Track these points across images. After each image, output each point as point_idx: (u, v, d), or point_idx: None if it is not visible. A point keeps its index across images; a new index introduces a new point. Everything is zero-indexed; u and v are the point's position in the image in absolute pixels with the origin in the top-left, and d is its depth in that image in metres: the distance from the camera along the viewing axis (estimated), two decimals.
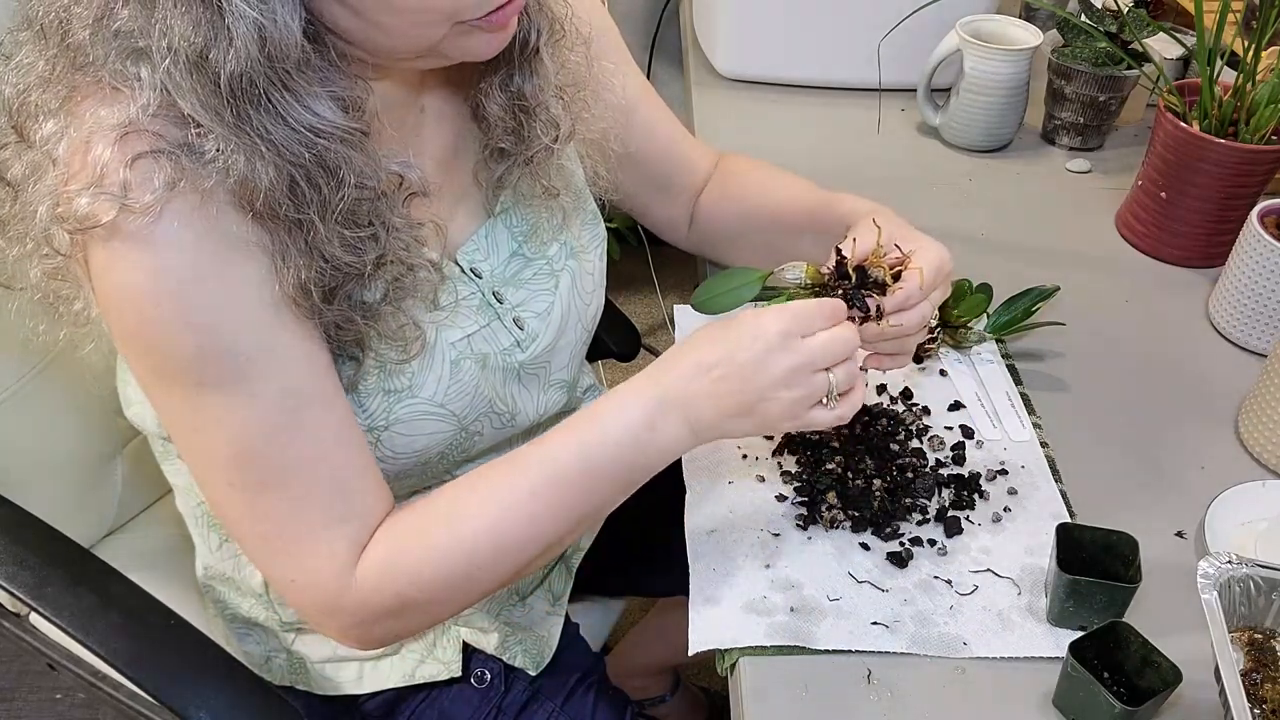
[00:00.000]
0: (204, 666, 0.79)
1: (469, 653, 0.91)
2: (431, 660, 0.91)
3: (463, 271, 0.81)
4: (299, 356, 0.69)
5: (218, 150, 0.61)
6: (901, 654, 0.77)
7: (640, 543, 1.06)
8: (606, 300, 1.18)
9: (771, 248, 0.96)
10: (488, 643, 0.91)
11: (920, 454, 0.92)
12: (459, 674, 0.90)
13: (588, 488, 0.73)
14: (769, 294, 0.83)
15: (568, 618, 1.01)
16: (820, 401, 0.72)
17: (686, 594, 0.81)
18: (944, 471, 0.90)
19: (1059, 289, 1.03)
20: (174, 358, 0.66)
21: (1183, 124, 1.08)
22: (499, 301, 0.82)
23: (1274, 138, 1.08)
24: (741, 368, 0.71)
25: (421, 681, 0.90)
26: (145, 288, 0.63)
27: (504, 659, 0.92)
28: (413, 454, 0.78)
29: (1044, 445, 0.93)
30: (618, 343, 1.20)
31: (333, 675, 0.91)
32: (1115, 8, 1.26)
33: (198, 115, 0.60)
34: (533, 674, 0.94)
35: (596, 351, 1.19)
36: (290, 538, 0.71)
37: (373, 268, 0.69)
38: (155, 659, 0.78)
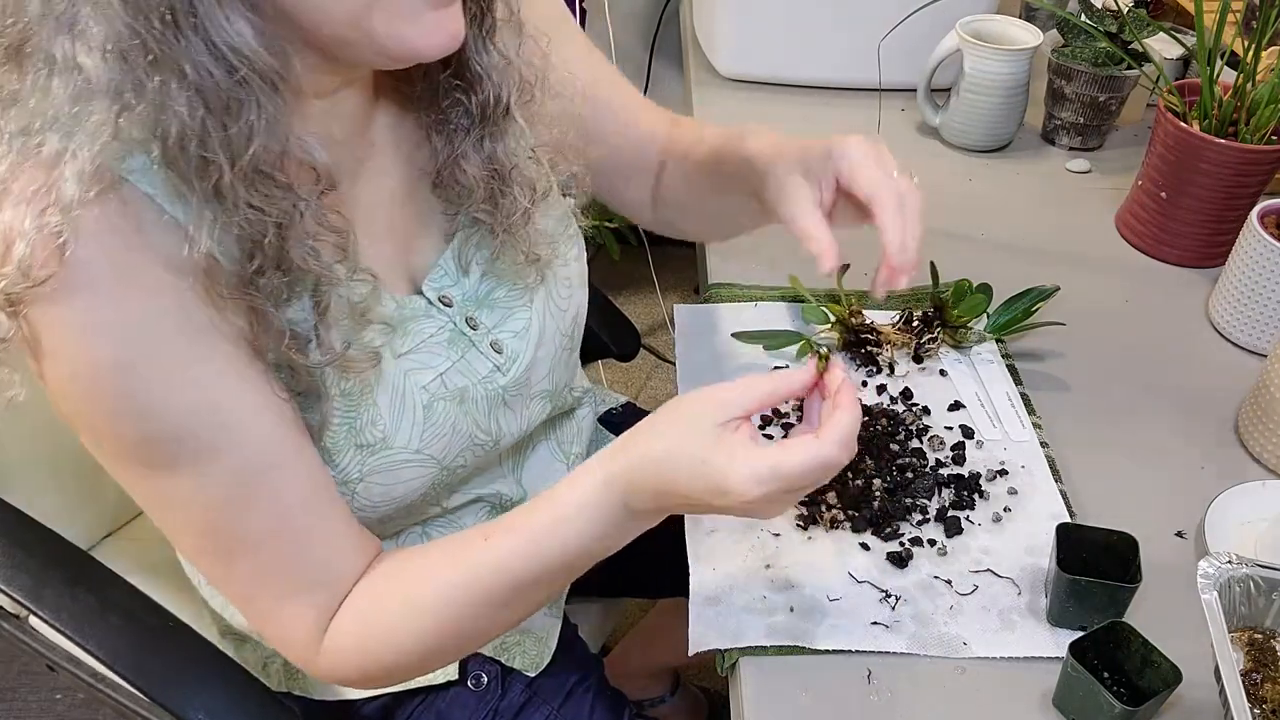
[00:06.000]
0: (202, 668, 0.79)
1: (466, 655, 0.92)
2: None
3: (430, 304, 0.77)
4: (251, 424, 0.65)
5: (135, 96, 0.56)
6: (901, 654, 0.77)
7: (639, 543, 1.06)
8: (606, 300, 1.18)
9: (716, 217, 0.96)
10: (485, 646, 0.91)
11: (920, 454, 0.92)
12: (455, 677, 0.90)
13: (542, 586, 0.71)
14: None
15: (566, 619, 1.01)
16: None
17: (686, 595, 0.81)
18: (944, 471, 0.90)
19: (1059, 289, 1.03)
20: (119, 442, 0.64)
21: (1183, 124, 1.08)
22: (473, 328, 0.79)
23: (1274, 138, 1.08)
24: (719, 508, 0.65)
25: (418, 685, 0.90)
26: (78, 374, 0.60)
27: (502, 661, 0.92)
28: (392, 500, 0.76)
29: (1044, 445, 0.93)
30: (618, 342, 1.20)
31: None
32: (1115, 8, 1.26)
33: (121, 40, 0.55)
34: (531, 676, 0.94)
35: (596, 351, 1.19)
36: (261, 602, 0.70)
37: (277, 242, 0.62)
38: (153, 661, 0.78)
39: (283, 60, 0.59)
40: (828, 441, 0.62)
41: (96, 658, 0.78)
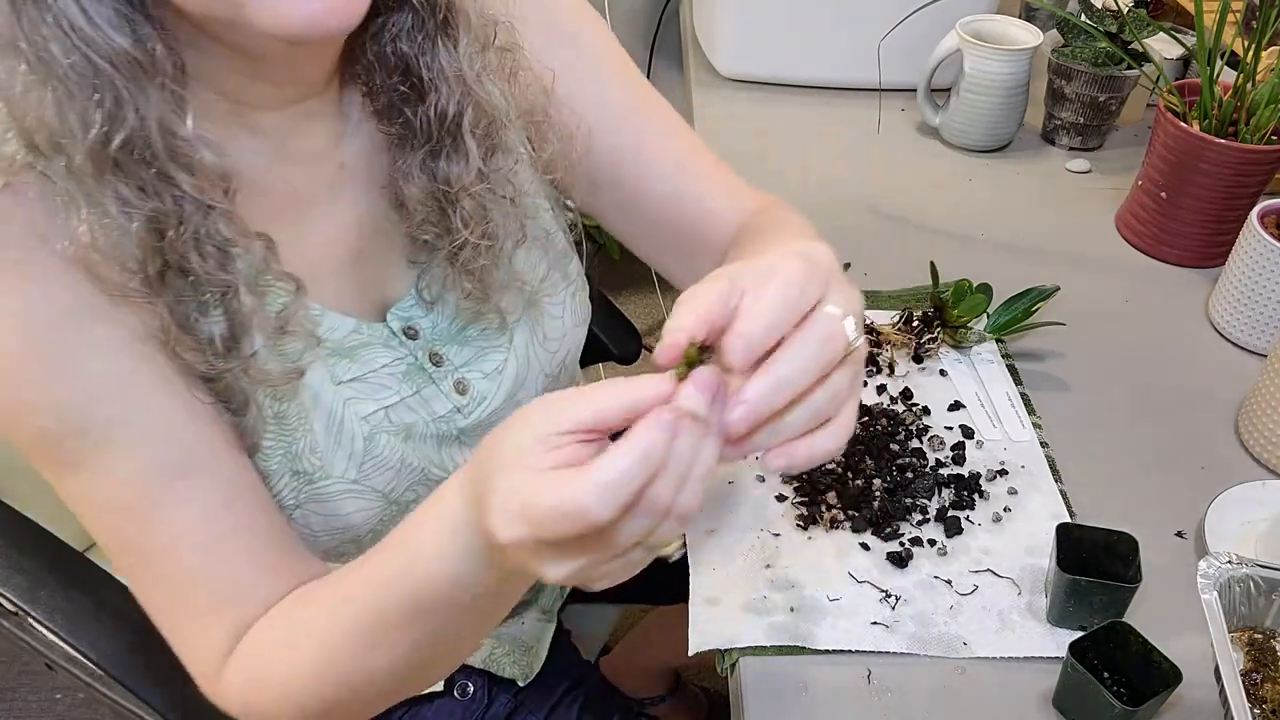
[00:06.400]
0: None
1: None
2: None
3: (393, 334, 0.74)
4: (160, 424, 0.61)
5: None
6: (901, 654, 0.77)
7: None
8: (607, 301, 1.17)
9: None
10: (474, 655, 0.91)
11: (920, 454, 0.92)
12: (440, 688, 0.90)
13: (414, 618, 0.60)
14: None
15: (560, 624, 1.00)
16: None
17: (683, 600, 0.81)
18: (944, 471, 0.90)
19: (1059, 289, 1.03)
20: (19, 437, 0.61)
21: (1183, 124, 1.08)
22: (436, 364, 0.75)
23: (1274, 138, 1.08)
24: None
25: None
26: None
27: (491, 671, 0.92)
28: (337, 531, 0.72)
29: (1044, 445, 0.93)
30: (618, 345, 1.19)
31: None
32: (1115, 8, 1.26)
33: None
34: (521, 684, 0.93)
35: (597, 354, 1.19)
36: (170, 620, 0.66)
37: (173, 242, 0.59)
38: (144, 662, 0.78)
39: (143, 46, 0.56)
40: (583, 483, 0.45)
41: (88, 659, 0.77)
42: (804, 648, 0.76)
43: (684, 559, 0.83)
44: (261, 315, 0.64)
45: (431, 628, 0.59)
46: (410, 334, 0.75)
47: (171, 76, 0.58)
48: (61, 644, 0.80)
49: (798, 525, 0.86)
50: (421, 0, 0.65)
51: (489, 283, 0.74)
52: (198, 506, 0.63)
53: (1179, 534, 0.87)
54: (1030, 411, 0.97)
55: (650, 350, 1.61)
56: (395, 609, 0.58)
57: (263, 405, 0.66)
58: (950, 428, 0.95)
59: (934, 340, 1.02)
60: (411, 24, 0.65)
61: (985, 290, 1.03)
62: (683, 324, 0.48)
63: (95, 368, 0.60)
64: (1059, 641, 0.76)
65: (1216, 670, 0.69)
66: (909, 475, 0.89)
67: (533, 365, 0.80)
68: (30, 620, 0.82)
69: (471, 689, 0.91)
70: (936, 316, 1.03)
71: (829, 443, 0.53)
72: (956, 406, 0.97)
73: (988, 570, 0.83)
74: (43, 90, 0.55)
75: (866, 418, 0.94)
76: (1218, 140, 1.06)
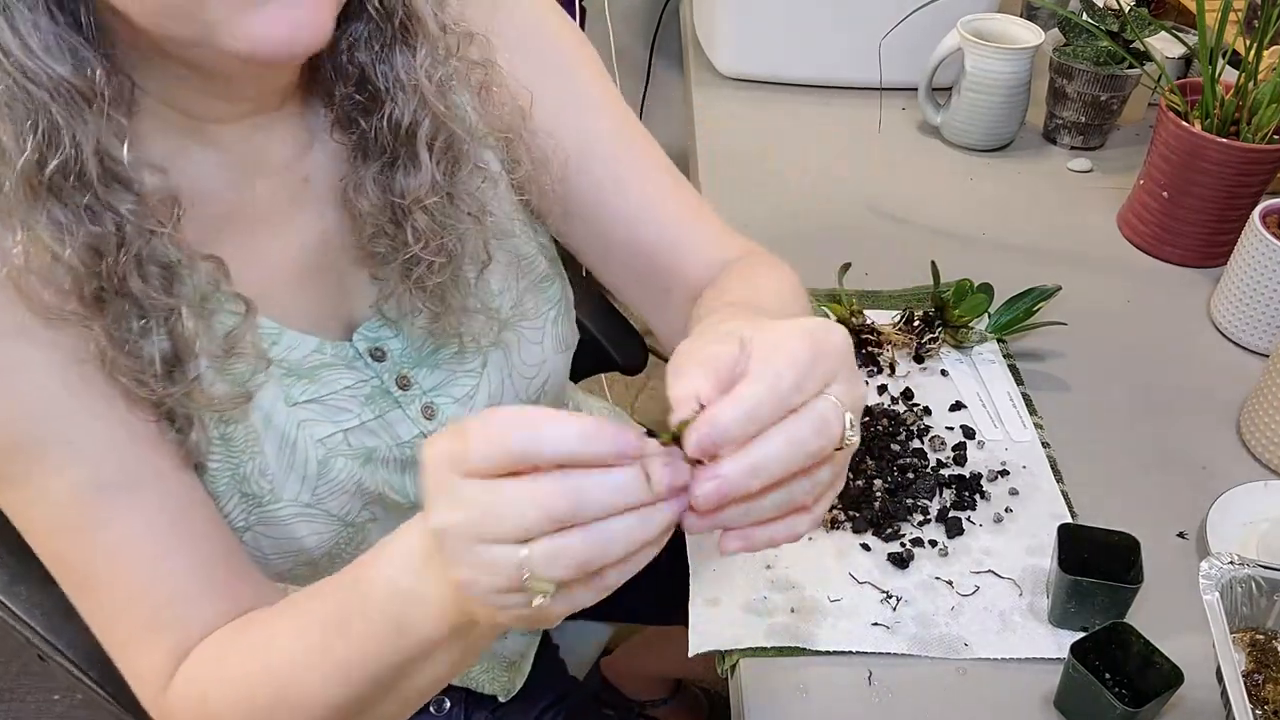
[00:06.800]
0: None
1: None
2: None
3: (359, 355, 0.72)
4: (97, 441, 0.60)
5: None
6: (902, 655, 0.76)
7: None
8: (611, 309, 1.15)
9: None
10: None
11: (921, 454, 0.92)
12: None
13: (364, 654, 0.58)
14: None
15: (547, 639, 0.99)
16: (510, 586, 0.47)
17: (676, 622, 0.79)
18: (945, 472, 0.90)
19: (1060, 289, 1.03)
20: None
21: (1184, 123, 1.08)
22: (403, 388, 0.73)
23: (1276, 137, 1.08)
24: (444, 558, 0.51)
25: None
26: None
27: (470, 688, 0.91)
28: (289, 554, 0.70)
29: (1045, 445, 0.93)
30: (625, 355, 1.17)
31: None
32: (1117, 7, 1.26)
33: None
34: (502, 700, 0.92)
35: (600, 365, 1.17)
36: (113, 639, 0.64)
37: (111, 264, 0.58)
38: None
39: (83, 72, 0.54)
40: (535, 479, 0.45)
41: (65, 655, 0.77)
42: (804, 649, 0.76)
43: (675, 578, 0.81)
44: (207, 338, 0.63)
45: (373, 671, 0.57)
46: (377, 355, 0.73)
47: (113, 101, 0.56)
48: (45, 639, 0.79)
49: None
50: (377, 8, 0.63)
51: (449, 303, 0.72)
52: (140, 523, 0.61)
53: (1181, 534, 0.86)
54: (1031, 411, 0.97)
55: (656, 354, 1.59)
56: (342, 647, 0.57)
57: (208, 426, 0.65)
58: (951, 428, 0.95)
59: (935, 340, 1.02)
60: (368, 33, 0.64)
61: (986, 290, 1.03)
62: (697, 389, 0.46)
63: (28, 388, 0.59)
64: (1060, 642, 0.76)
65: (1218, 671, 0.69)
66: (910, 475, 0.89)
67: (506, 392, 0.77)
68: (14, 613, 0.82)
69: (448, 705, 0.90)
70: (937, 316, 1.03)
71: (791, 531, 0.50)
72: (958, 407, 0.97)
73: (989, 571, 0.82)
74: None
75: (867, 418, 0.94)
76: (1219, 139, 1.06)
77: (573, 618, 1.06)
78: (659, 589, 0.81)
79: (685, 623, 0.79)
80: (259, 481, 0.67)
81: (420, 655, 0.55)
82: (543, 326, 0.79)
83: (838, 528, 0.85)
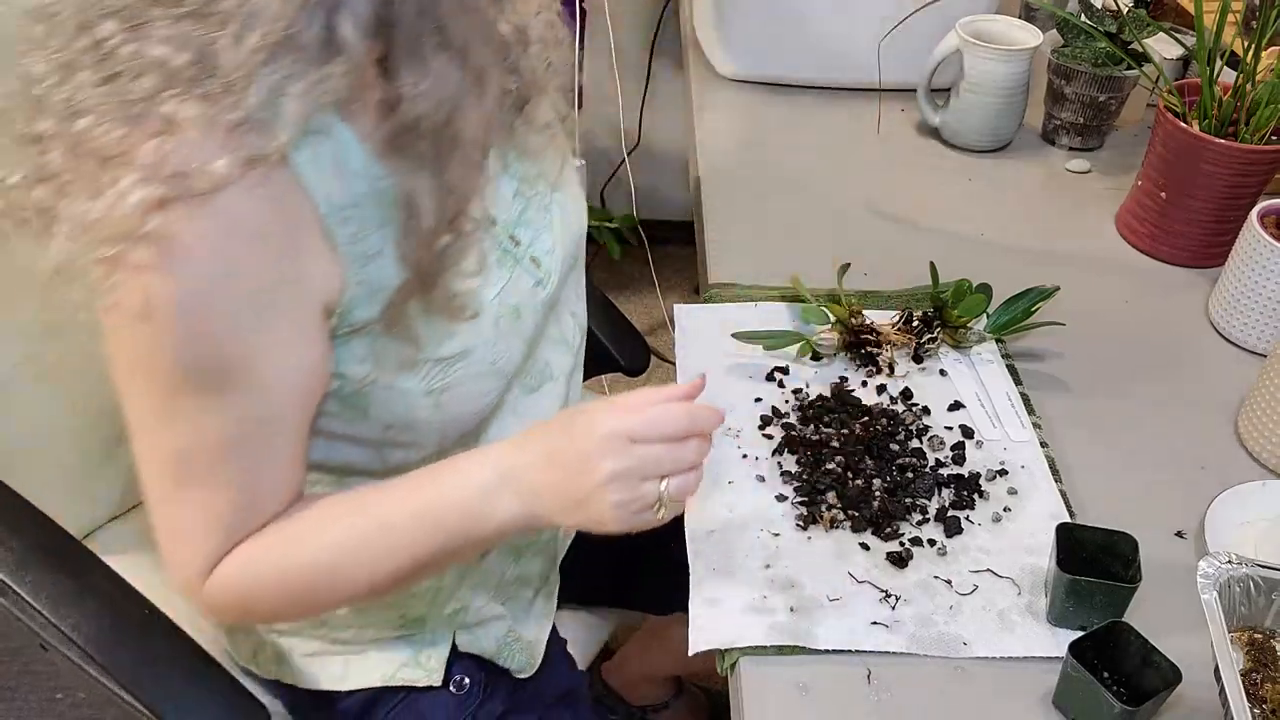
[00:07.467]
0: (174, 659, 0.79)
1: (452, 657, 0.91)
2: (414, 665, 0.90)
3: (491, 221, 0.79)
4: (283, 380, 0.68)
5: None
6: (901, 654, 0.77)
7: (636, 556, 1.06)
8: (613, 309, 1.17)
9: None
10: (485, 645, 0.91)
11: (920, 454, 0.92)
12: (439, 683, 0.90)
13: (417, 542, 0.72)
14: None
15: (555, 632, 1.00)
16: (651, 507, 0.69)
17: (676, 611, 0.81)
18: (944, 471, 0.90)
19: (1059, 289, 1.03)
20: (167, 359, 0.65)
21: (1182, 124, 1.08)
22: (515, 244, 0.81)
23: (1274, 138, 1.08)
24: (573, 461, 0.69)
25: (401, 684, 0.90)
26: (184, 286, 0.62)
27: (496, 661, 0.92)
28: (471, 415, 0.79)
29: (1044, 445, 0.94)
30: (627, 356, 1.17)
31: (317, 671, 0.91)
32: (1115, 8, 1.26)
33: None
34: (525, 676, 0.93)
35: (604, 366, 1.17)
36: (184, 528, 0.71)
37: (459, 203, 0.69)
38: (126, 648, 0.78)
39: None
40: (663, 392, 0.70)
41: (70, 639, 0.77)
42: (804, 648, 0.76)
43: (677, 570, 0.83)
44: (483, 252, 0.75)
45: (428, 552, 0.72)
46: (492, 222, 0.79)
47: None
48: (50, 624, 0.80)
49: (798, 525, 0.86)
50: None
51: (535, 121, 0.81)
52: (269, 452, 0.71)
53: (1179, 534, 0.87)
54: (1030, 411, 0.97)
55: (658, 355, 1.59)
56: (397, 528, 0.72)
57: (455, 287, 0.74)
58: (950, 428, 0.95)
59: (934, 340, 1.02)
60: None
61: (985, 290, 1.03)
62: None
63: (269, 323, 0.65)
64: (1059, 641, 0.76)
65: (1216, 670, 0.69)
66: (909, 475, 0.89)
67: (566, 241, 0.86)
68: (21, 597, 0.82)
69: (468, 684, 0.91)
70: (936, 316, 1.03)
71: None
72: (956, 406, 0.97)
73: (988, 570, 0.83)
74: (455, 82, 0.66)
75: (866, 418, 0.94)
76: (1217, 140, 1.06)
77: (578, 608, 1.08)
78: (659, 578, 0.87)
79: (684, 608, 0.80)
80: (452, 342, 0.75)
81: (463, 555, 0.75)
82: (574, 189, 0.89)
83: (837, 527, 0.85)
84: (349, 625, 0.89)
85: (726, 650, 0.77)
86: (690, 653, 0.77)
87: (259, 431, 0.69)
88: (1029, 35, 1.27)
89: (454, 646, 0.91)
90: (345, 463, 0.80)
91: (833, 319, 1.02)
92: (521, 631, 0.95)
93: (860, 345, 1.01)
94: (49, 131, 0.62)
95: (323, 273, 0.67)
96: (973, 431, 0.94)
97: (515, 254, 0.81)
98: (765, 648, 0.76)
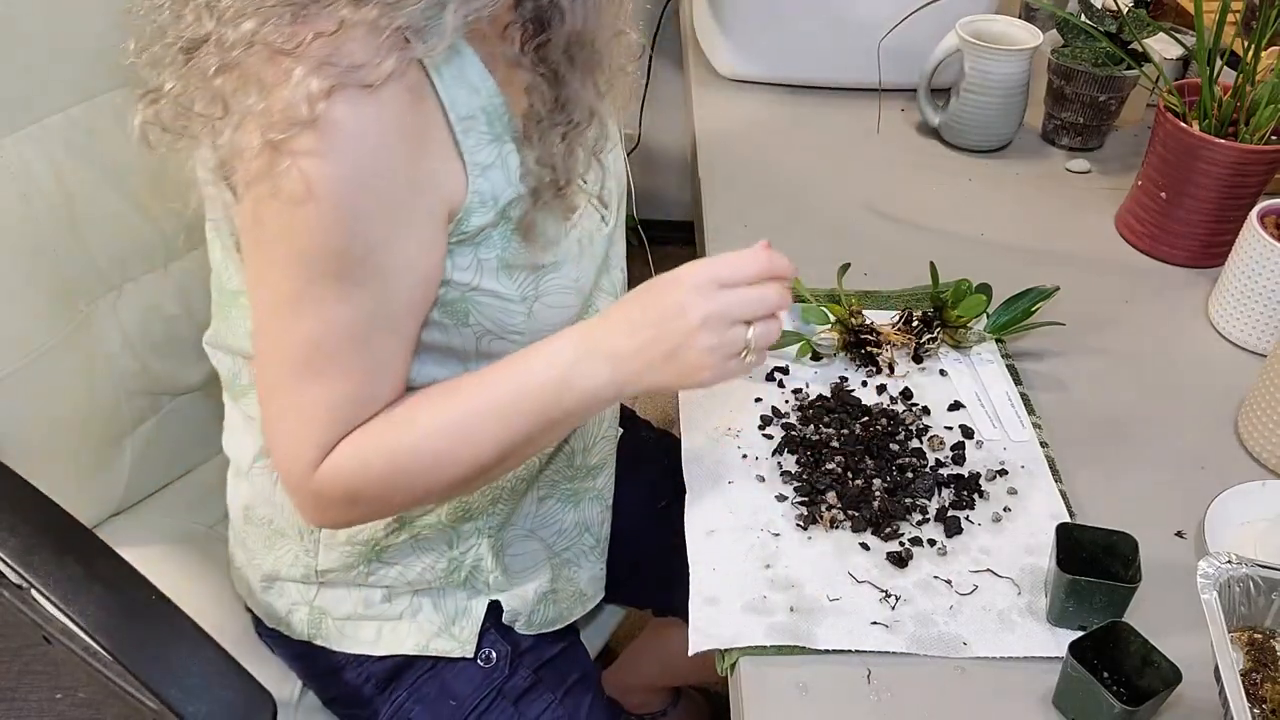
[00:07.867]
0: (182, 645, 0.79)
1: (483, 630, 0.93)
2: (447, 635, 0.92)
3: None
4: (413, 278, 0.72)
5: None
6: (901, 654, 0.77)
7: (636, 552, 1.06)
8: None
9: None
10: (522, 601, 0.94)
11: (920, 454, 0.92)
12: (470, 654, 0.92)
13: (514, 417, 0.76)
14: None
15: (571, 625, 1.01)
16: (739, 354, 0.74)
17: (676, 610, 0.81)
18: (944, 471, 0.91)
19: (1059, 289, 1.03)
20: (315, 242, 0.68)
21: (1182, 124, 1.08)
22: (584, 182, 0.84)
23: (1274, 138, 1.08)
24: (663, 313, 0.73)
25: (430, 654, 0.92)
26: (337, 171, 0.65)
27: (531, 618, 0.95)
28: (552, 329, 0.81)
29: (1044, 445, 0.94)
30: None
31: (351, 633, 0.93)
32: (1115, 8, 1.26)
33: None
34: (557, 628, 0.97)
35: None
36: (299, 419, 0.74)
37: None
38: (135, 634, 0.79)
39: None
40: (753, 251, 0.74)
41: (78, 624, 0.78)
42: (804, 648, 0.76)
43: (681, 570, 0.83)
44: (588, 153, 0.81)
45: (525, 428, 0.76)
46: (603, 135, 0.84)
47: None
48: (57, 614, 0.80)
49: (798, 525, 0.86)
50: None
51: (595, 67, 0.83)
52: (386, 352, 0.75)
53: (1179, 534, 0.87)
54: (1030, 411, 0.97)
55: None
56: (494, 405, 0.75)
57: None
58: (950, 428, 0.95)
59: (934, 340, 1.02)
60: None
61: (985, 290, 1.03)
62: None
63: (409, 219, 0.70)
64: (1059, 641, 0.76)
65: (1216, 670, 0.69)
66: (909, 475, 0.89)
67: (619, 188, 0.91)
68: (35, 593, 0.83)
69: (495, 658, 0.93)
70: (936, 316, 1.03)
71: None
72: (956, 406, 0.97)
73: (987, 570, 0.83)
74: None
75: (866, 417, 0.94)
76: (1217, 140, 1.06)
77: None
78: (659, 577, 0.88)
79: (685, 607, 0.80)
80: (548, 252, 0.79)
81: (560, 429, 0.80)
82: (618, 138, 0.92)
83: (837, 527, 0.85)
84: (404, 545, 0.91)
85: (726, 650, 0.77)
86: (690, 653, 0.77)
87: (382, 327, 0.73)
88: (1029, 35, 1.27)
89: (485, 618, 0.93)
90: (435, 380, 0.82)
91: (833, 319, 1.02)
92: (577, 579, 0.98)
93: (860, 345, 1.01)
94: (212, 35, 0.66)
95: (450, 177, 0.72)
96: (973, 431, 0.94)
97: (586, 190, 0.84)
98: (765, 648, 0.76)
